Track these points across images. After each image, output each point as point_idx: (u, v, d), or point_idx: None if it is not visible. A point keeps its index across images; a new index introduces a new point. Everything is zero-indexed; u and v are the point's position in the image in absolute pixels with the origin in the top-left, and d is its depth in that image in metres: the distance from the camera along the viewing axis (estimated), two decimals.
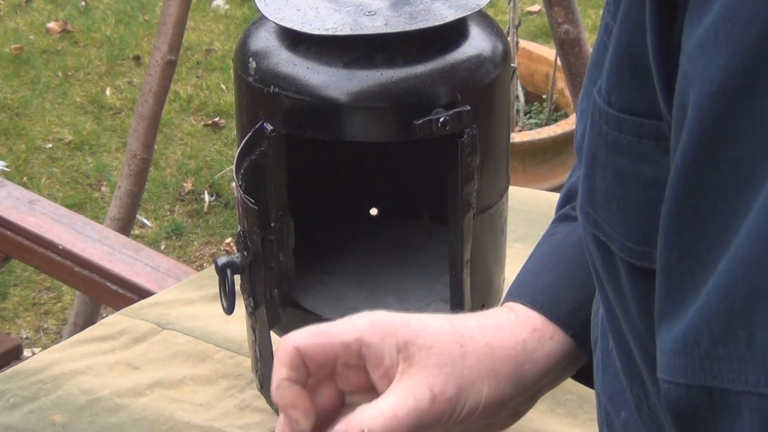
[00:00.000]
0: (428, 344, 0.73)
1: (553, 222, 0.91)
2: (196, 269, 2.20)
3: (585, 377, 0.85)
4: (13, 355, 1.91)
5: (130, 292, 1.60)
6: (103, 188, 3.35)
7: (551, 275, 0.85)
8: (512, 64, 2.49)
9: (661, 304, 0.55)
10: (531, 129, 3.33)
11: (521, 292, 0.85)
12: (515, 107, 3.33)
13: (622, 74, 0.61)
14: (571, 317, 0.82)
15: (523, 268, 0.88)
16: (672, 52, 0.56)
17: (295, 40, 1.05)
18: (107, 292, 1.64)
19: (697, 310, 0.51)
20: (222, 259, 1.07)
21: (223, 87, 3.78)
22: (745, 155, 0.49)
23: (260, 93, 1.04)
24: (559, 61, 2.52)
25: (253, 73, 1.05)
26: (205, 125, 3.61)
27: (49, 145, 3.53)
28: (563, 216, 0.90)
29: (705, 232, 0.52)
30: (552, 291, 0.83)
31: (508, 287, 0.89)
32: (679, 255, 0.54)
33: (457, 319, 0.79)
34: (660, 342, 0.55)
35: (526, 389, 0.80)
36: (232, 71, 1.13)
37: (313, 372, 0.73)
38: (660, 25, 0.57)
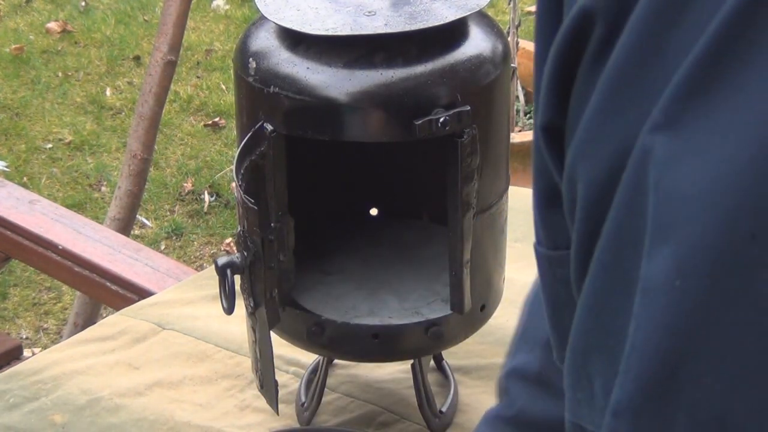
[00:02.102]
0: None
1: (484, 418, 0.95)
2: (196, 269, 2.20)
3: None
4: (13, 355, 1.91)
5: (130, 292, 1.60)
6: (103, 188, 3.35)
7: None
8: (512, 64, 2.49)
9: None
10: (531, 129, 3.33)
11: None
12: (515, 107, 3.33)
13: (545, 206, 0.66)
14: None
15: None
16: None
17: (295, 40, 1.05)
18: (107, 292, 1.64)
19: (567, 362, 0.61)
20: (222, 259, 1.07)
21: (223, 87, 3.78)
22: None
23: (260, 93, 1.04)
24: None
25: (253, 73, 1.05)
26: (205, 125, 3.61)
27: (49, 145, 3.53)
28: (490, 422, 0.94)
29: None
30: None
31: None
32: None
33: None
34: None
35: None
36: (232, 71, 1.13)
37: None
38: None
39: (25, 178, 3.35)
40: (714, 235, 0.49)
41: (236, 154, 1.07)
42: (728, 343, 0.50)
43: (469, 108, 1.03)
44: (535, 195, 0.67)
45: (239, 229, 1.08)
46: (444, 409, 1.23)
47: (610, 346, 0.56)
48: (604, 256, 0.56)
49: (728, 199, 0.49)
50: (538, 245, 0.68)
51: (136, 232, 3.11)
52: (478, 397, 1.26)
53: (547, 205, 0.65)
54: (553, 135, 0.61)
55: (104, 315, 2.39)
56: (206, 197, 3.31)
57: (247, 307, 1.10)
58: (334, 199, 1.32)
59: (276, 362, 1.14)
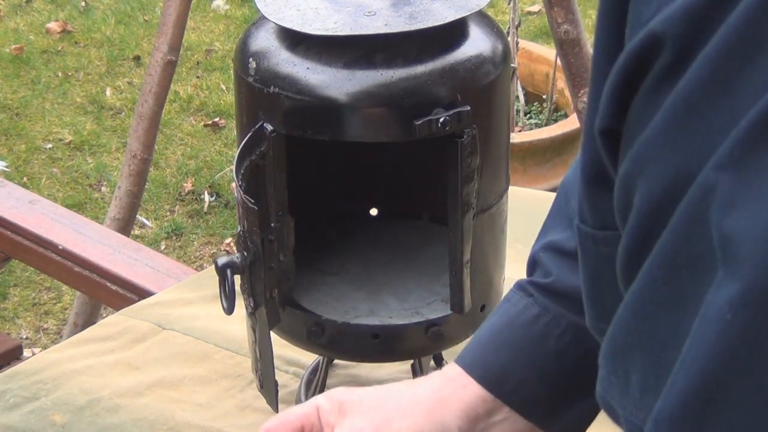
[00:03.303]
0: (358, 400, 0.92)
1: (515, 285, 0.98)
2: (196, 269, 2.20)
3: None
4: (13, 355, 1.91)
5: (130, 292, 1.60)
6: (103, 188, 3.35)
7: (499, 354, 0.94)
8: (512, 64, 2.48)
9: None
10: (531, 129, 3.33)
11: (472, 363, 0.95)
12: (515, 107, 3.33)
13: (592, 189, 0.70)
14: (513, 395, 0.93)
15: (477, 332, 0.97)
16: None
17: (295, 40, 1.05)
18: (107, 292, 1.64)
19: (604, 345, 0.67)
20: (222, 260, 1.07)
21: (223, 87, 3.78)
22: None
23: (260, 93, 1.04)
24: (559, 62, 2.51)
25: (253, 73, 1.05)
26: (205, 125, 3.61)
27: (49, 146, 3.53)
28: (522, 287, 0.97)
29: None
30: (498, 369, 0.94)
31: (463, 348, 0.97)
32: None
33: (406, 383, 0.96)
34: None
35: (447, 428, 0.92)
36: (232, 71, 1.13)
37: None
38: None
39: (25, 178, 3.35)
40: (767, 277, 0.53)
41: (236, 154, 1.07)
42: None
43: (469, 108, 1.03)
44: (584, 177, 0.70)
45: (239, 229, 1.08)
46: None
47: (654, 351, 0.61)
48: (656, 272, 0.60)
49: None
50: (582, 224, 0.72)
51: (136, 232, 3.11)
52: None
53: (597, 188, 0.69)
54: (610, 137, 0.65)
55: (104, 315, 2.39)
56: (206, 197, 3.31)
57: (247, 307, 1.10)
58: (334, 199, 1.32)
59: (276, 362, 1.15)
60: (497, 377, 0.93)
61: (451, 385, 0.94)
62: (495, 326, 0.96)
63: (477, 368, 0.94)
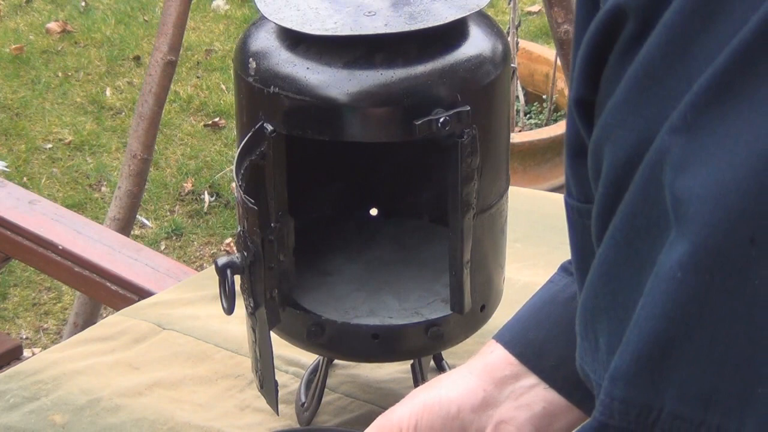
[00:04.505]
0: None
1: (559, 267, 1.00)
2: (196, 269, 2.20)
3: None
4: (13, 355, 1.91)
5: (130, 292, 1.60)
6: (103, 188, 3.35)
7: (539, 329, 0.95)
8: (512, 64, 2.49)
9: None
10: (531, 129, 3.33)
11: (511, 340, 0.96)
12: (515, 107, 3.33)
13: (575, 162, 0.72)
14: (553, 372, 0.94)
15: (519, 311, 0.98)
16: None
17: (295, 40, 1.05)
18: (107, 292, 1.64)
19: (578, 311, 0.69)
20: (222, 260, 1.07)
21: (223, 87, 3.78)
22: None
23: (260, 93, 1.04)
24: (559, 61, 2.52)
25: (253, 73, 1.05)
26: (205, 125, 3.61)
27: (49, 146, 3.53)
28: (565, 268, 0.99)
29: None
30: (538, 345, 0.95)
31: (504, 324, 0.98)
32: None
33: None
34: None
35: None
36: (232, 71, 1.13)
37: None
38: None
39: (25, 178, 3.35)
40: (716, 236, 0.54)
41: (236, 154, 1.07)
42: (719, 333, 0.55)
43: (469, 108, 1.03)
44: (567, 151, 0.73)
45: (239, 229, 1.08)
46: None
47: (617, 312, 0.62)
48: (618, 235, 0.61)
49: (731, 205, 0.54)
50: (569, 197, 0.74)
51: (136, 232, 3.11)
52: None
53: (579, 161, 0.71)
54: (584, 107, 0.68)
55: (104, 315, 2.39)
56: (206, 197, 3.31)
57: (247, 308, 1.10)
58: (334, 198, 1.32)
59: (276, 362, 1.14)
60: (536, 353, 0.94)
61: (479, 355, 0.96)
62: (536, 304, 0.97)
63: (516, 345, 0.95)
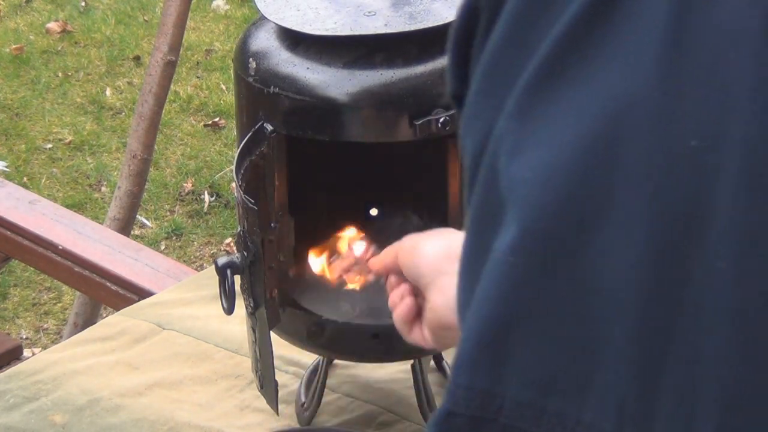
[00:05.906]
0: None
1: None
2: (196, 269, 2.20)
3: None
4: (13, 355, 1.91)
5: (130, 293, 1.60)
6: (103, 188, 3.35)
7: None
8: None
9: None
10: None
11: None
12: None
13: None
14: None
15: None
16: None
17: (295, 40, 1.05)
18: (107, 293, 1.64)
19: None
20: (222, 260, 1.07)
21: (223, 87, 3.78)
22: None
23: (260, 93, 1.04)
24: None
25: (253, 73, 1.05)
26: (205, 125, 3.62)
27: (49, 146, 3.53)
28: None
29: None
30: None
31: None
32: None
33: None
34: None
35: None
36: (232, 71, 1.13)
37: None
38: None
39: (25, 178, 3.35)
40: (546, 219, 0.54)
41: (236, 154, 1.07)
42: (553, 317, 0.55)
43: None
44: None
45: (239, 229, 1.08)
46: None
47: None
48: (471, 225, 0.62)
49: (559, 187, 0.54)
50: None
51: (136, 232, 3.11)
52: None
53: None
54: (460, 102, 0.68)
55: (104, 315, 2.39)
56: (206, 197, 3.31)
57: (247, 308, 1.10)
58: (334, 199, 1.32)
59: (276, 362, 1.15)
60: None
61: None
62: None
63: None
